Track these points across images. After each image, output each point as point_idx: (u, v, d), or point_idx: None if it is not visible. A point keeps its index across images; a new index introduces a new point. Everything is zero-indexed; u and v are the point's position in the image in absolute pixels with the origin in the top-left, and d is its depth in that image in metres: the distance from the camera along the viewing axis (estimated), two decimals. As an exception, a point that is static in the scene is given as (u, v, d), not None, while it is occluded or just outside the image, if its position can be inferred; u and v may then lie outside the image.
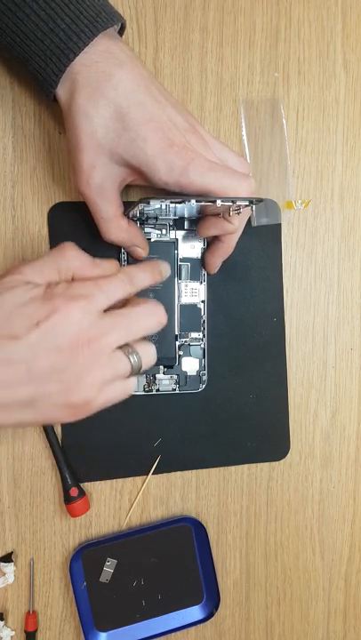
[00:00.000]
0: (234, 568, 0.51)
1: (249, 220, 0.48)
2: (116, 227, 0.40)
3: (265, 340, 0.49)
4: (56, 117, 0.45)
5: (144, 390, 0.45)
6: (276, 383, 0.50)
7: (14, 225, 0.45)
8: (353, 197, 0.51)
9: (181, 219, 0.45)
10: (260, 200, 0.35)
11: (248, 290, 0.49)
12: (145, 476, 0.48)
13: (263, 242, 0.49)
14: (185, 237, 0.45)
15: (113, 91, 0.35)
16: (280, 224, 0.49)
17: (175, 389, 0.46)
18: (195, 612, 0.49)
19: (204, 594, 0.49)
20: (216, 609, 0.49)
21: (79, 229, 0.45)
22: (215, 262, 0.45)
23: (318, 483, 0.52)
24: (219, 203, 0.34)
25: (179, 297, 0.45)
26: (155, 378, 0.46)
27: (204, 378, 0.46)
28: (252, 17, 0.48)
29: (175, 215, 0.45)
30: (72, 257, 0.34)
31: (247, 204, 0.35)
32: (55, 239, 0.45)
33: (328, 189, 0.51)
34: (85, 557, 0.47)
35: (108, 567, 0.47)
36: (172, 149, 0.36)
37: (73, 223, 0.45)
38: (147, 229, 0.44)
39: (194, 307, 0.46)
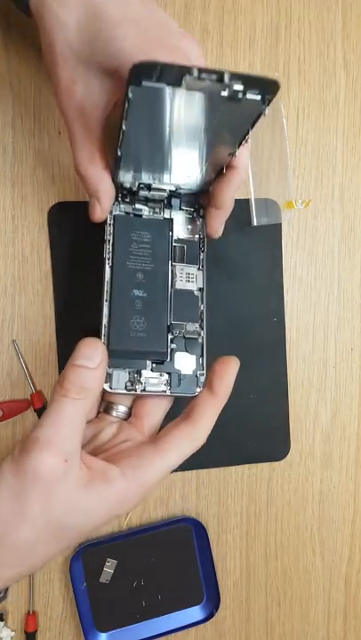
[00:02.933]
0: (234, 568, 0.51)
1: (249, 221, 0.48)
2: (88, 156, 0.34)
3: (265, 340, 0.49)
4: (56, 117, 0.45)
5: (125, 388, 0.36)
6: (277, 383, 0.50)
7: (14, 225, 0.45)
8: (353, 197, 0.51)
9: (177, 195, 0.39)
10: (271, 85, 0.28)
11: (248, 290, 0.49)
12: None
13: (263, 242, 0.49)
14: (180, 219, 0.39)
15: None
16: (280, 224, 0.49)
17: (165, 391, 0.37)
18: (195, 613, 0.49)
19: (204, 594, 0.49)
20: (216, 609, 0.49)
21: (79, 229, 0.45)
22: (216, 223, 0.39)
23: (318, 483, 0.52)
24: (226, 78, 0.26)
25: (173, 281, 0.38)
26: (140, 374, 0.37)
27: (202, 379, 0.38)
28: (253, 16, 0.48)
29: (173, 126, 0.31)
30: None
31: (257, 93, 0.27)
32: (55, 239, 0.45)
33: (328, 189, 0.50)
34: (85, 558, 0.47)
35: (108, 567, 0.47)
36: (158, 47, 0.30)
37: (73, 223, 0.45)
38: (137, 206, 0.38)
39: (190, 294, 0.38)
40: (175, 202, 0.39)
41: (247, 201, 0.48)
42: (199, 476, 0.49)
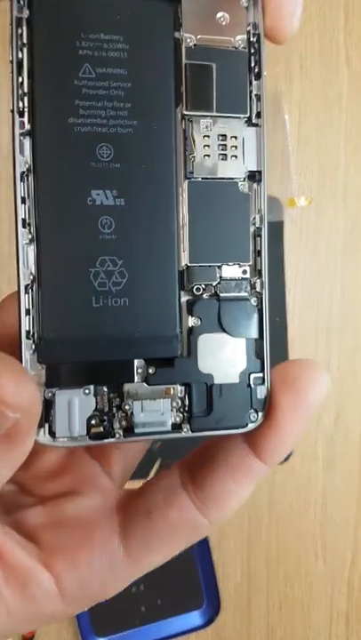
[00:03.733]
0: (235, 572, 0.50)
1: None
2: None
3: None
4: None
5: (88, 434, 0.16)
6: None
7: (10, 223, 0.44)
8: (357, 195, 0.50)
9: None
10: None
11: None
12: (144, 480, 0.47)
13: (265, 240, 0.48)
14: None
15: None
16: (282, 222, 0.49)
17: (181, 427, 0.17)
18: (195, 618, 0.48)
19: (204, 599, 0.49)
20: (217, 614, 0.48)
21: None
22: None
23: (321, 486, 0.51)
24: None
25: (185, 161, 0.16)
26: (121, 395, 0.16)
27: (263, 393, 0.17)
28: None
29: None
30: None
31: None
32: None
33: (331, 186, 0.50)
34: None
35: (107, 572, 0.47)
36: None
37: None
38: None
39: (230, 190, 0.17)
40: None
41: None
42: (200, 479, 0.49)
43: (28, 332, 0.15)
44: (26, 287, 0.16)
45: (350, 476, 0.52)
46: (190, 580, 0.48)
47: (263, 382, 0.17)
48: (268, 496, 0.50)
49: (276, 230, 0.49)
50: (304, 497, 0.51)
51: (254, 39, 0.16)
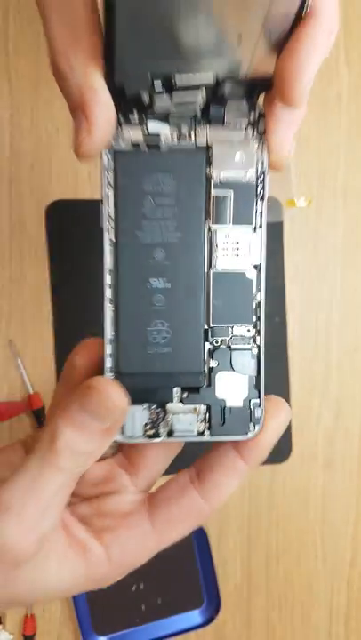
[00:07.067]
0: (235, 571, 0.50)
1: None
2: (69, 41, 0.20)
3: (267, 340, 0.49)
4: (54, 114, 0.44)
5: (144, 434, 0.24)
6: (278, 384, 0.49)
7: (11, 223, 0.44)
8: (356, 195, 0.50)
9: (219, 99, 0.23)
10: None
11: (249, 289, 0.48)
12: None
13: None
14: (223, 142, 0.24)
15: None
16: (282, 222, 0.49)
17: (203, 433, 0.24)
18: (195, 617, 0.49)
19: (204, 598, 0.49)
20: (216, 613, 0.48)
21: (76, 227, 0.45)
22: (286, 132, 0.23)
23: (321, 485, 0.51)
24: None
25: (211, 258, 0.24)
26: (164, 410, 0.24)
27: (259, 413, 0.25)
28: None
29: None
30: None
31: None
32: (52, 237, 0.45)
33: (331, 187, 0.50)
34: (84, 561, 0.46)
35: (107, 571, 0.47)
36: None
37: (70, 221, 0.45)
38: (151, 124, 0.23)
39: (240, 277, 0.25)
40: (216, 110, 0.23)
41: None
42: (199, 478, 0.49)
43: (110, 368, 0.24)
44: (110, 340, 0.24)
45: (350, 475, 0.52)
46: (190, 580, 0.48)
47: (259, 405, 0.25)
48: (268, 496, 0.50)
49: (276, 231, 0.49)
50: (304, 497, 0.51)
51: (261, 173, 0.24)
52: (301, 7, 0.19)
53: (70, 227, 0.45)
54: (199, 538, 0.48)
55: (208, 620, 0.48)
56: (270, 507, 0.50)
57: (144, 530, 0.25)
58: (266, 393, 0.25)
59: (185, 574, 0.48)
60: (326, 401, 0.51)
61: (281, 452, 0.50)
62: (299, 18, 0.20)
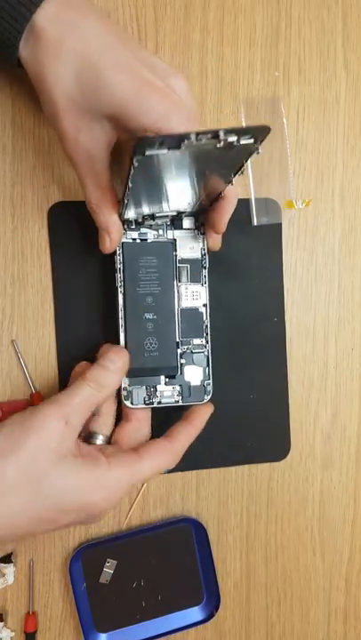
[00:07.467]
0: (234, 569, 0.51)
1: (249, 220, 0.48)
2: (98, 197, 0.38)
3: (265, 339, 0.49)
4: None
5: (144, 402, 0.42)
6: (277, 383, 0.50)
7: (13, 224, 0.45)
8: (354, 197, 0.51)
9: (179, 217, 0.42)
10: (263, 130, 0.28)
11: (248, 290, 0.49)
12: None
13: (263, 241, 0.49)
14: (183, 238, 0.43)
15: (80, 42, 0.33)
16: (280, 223, 0.49)
17: (178, 401, 0.42)
18: (195, 613, 0.49)
19: (204, 595, 0.49)
20: (216, 610, 0.48)
21: (78, 229, 0.45)
22: (216, 241, 0.43)
23: (319, 483, 0.52)
24: (221, 134, 0.27)
25: (179, 301, 0.42)
26: (155, 389, 0.42)
27: (209, 388, 0.43)
28: (253, 16, 0.48)
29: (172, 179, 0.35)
30: None
31: (250, 137, 0.28)
32: (55, 238, 0.45)
33: (329, 189, 0.50)
34: (85, 558, 0.47)
35: (108, 568, 0.47)
36: (147, 89, 0.33)
37: (72, 223, 0.45)
38: (143, 230, 0.42)
39: (195, 311, 0.43)
40: (178, 222, 0.43)
41: (247, 201, 0.48)
42: (199, 477, 0.49)
43: None
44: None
45: (348, 473, 0.52)
46: (190, 576, 0.49)
47: (209, 383, 0.43)
48: (267, 494, 0.51)
49: (275, 232, 0.49)
50: (302, 494, 0.51)
51: (204, 254, 0.43)
52: (220, 192, 0.38)
53: (72, 228, 0.45)
54: (199, 535, 0.48)
55: (208, 617, 0.49)
56: (269, 504, 0.51)
57: (132, 456, 0.38)
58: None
59: (185, 571, 0.49)
60: (324, 400, 0.51)
61: (279, 450, 0.50)
62: (220, 194, 0.38)
